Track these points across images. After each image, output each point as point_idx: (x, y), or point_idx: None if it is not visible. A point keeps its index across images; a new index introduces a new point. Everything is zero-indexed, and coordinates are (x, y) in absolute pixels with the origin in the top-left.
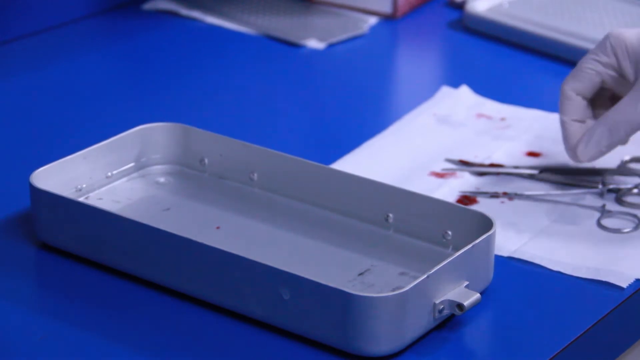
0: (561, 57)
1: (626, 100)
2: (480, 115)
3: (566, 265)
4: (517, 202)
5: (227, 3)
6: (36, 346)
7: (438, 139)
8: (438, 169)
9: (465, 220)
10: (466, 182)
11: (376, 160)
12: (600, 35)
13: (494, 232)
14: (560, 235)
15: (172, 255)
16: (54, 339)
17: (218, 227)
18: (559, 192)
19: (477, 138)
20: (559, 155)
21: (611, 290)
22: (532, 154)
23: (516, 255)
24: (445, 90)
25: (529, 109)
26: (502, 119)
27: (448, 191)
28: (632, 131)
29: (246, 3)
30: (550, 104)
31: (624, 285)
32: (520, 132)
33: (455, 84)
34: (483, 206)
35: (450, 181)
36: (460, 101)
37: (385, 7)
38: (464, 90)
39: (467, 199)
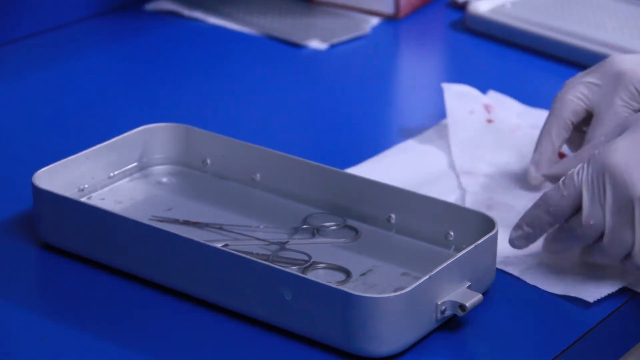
0: (563, 58)
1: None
2: (490, 121)
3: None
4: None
5: (229, 4)
6: (38, 346)
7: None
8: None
9: (467, 221)
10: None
11: (389, 166)
12: (601, 36)
13: (496, 233)
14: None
15: (174, 256)
16: (56, 340)
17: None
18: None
19: (483, 140)
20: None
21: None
22: None
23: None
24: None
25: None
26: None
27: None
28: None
29: (248, 4)
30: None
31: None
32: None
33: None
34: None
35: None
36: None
37: (388, 8)
38: (471, 91)
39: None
